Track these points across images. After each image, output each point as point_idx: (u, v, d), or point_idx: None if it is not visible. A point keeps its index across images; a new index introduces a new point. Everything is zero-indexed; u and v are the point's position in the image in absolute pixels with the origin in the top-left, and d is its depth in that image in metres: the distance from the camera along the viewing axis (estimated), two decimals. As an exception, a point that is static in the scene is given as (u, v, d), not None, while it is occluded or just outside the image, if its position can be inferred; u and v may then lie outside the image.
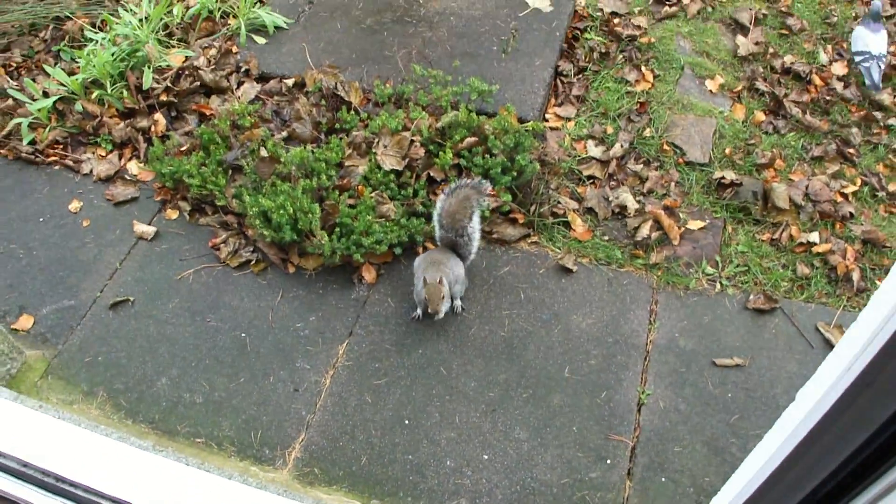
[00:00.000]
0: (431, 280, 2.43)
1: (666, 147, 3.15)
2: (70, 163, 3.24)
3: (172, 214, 2.99)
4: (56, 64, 3.63)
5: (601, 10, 3.78)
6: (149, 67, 3.34)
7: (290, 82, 3.29)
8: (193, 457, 2.32)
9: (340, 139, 2.92)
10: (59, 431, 1.88)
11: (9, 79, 3.63)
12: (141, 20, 3.56)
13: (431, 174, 2.84)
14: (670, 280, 2.76)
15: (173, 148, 3.01)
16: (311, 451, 2.35)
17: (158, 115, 3.23)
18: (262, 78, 3.37)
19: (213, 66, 3.40)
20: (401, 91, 3.11)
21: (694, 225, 2.90)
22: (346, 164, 2.83)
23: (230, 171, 2.90)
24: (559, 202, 2.98)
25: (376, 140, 2.87)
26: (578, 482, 2.25)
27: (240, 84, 3.33)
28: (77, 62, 3.53)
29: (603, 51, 3.57)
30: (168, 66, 3.36)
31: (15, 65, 3.74)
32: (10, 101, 3.47)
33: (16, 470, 1.76)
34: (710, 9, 3.80)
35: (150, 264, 2.84)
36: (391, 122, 2.90)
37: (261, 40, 3.56)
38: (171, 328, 2.66)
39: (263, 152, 2.78)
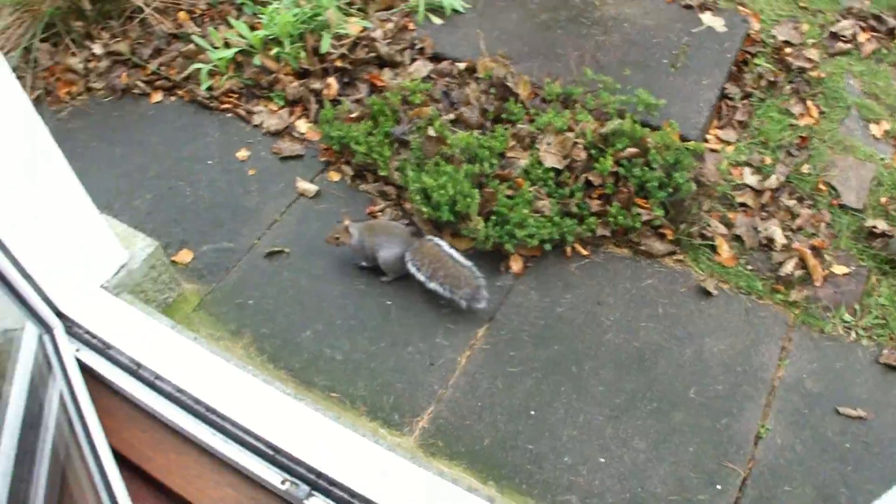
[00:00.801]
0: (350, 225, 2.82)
1: (822, 186, 3.21)
2: (242, 112, 3.52)
3: (335, 176, 3.23)
4: (239, 17, 3.92)
5: (774, 36, 3.84)
6: (328, 32, 3.60)
7: (461, 66, 3.48)
8: (329, 409, 2.55)
9: (505, 129, 3.10)
10: (211, 364, 2.09)
11: (193, 24, 3.94)
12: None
13: (590, 178, 2.98)
14: (807, 320, 2.83)
15: (343, 113, 3.25)
16: (438, 424, 2.54)
17: (332, 80, 3.48)
18: (435, 58, 3.58)
19: (389, 40, 3.63)
20: (569, 91, 3.27)
21: (838, 269, 2.96)
22: (509, 154, 3.01)
23: (395, 144, 3.11)
24: (709, 225, 3.08)
25: (540, 136, 3.03)
26: (686, 501, 2.37)
27: (413, 61, 3.55)
28: (259, 18, 3.81)
29: (771, 79, 3.63)
30: (346, 34, 3.61)
31: (199, 12, 4.06)
32: (192, 46, 3.78)
33: (171, 394, 1.99)
34: (885, 51, 3.82)
35: (308, 221, 3.09)
36: (557, 120, 3.06)
37: (437, 21, 3.77)
38: (321, 284, 2.89)
39: (431, 131, 2.98)
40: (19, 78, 3.64)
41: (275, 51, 3.60)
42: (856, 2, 4.06)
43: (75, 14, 3.95)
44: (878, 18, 3.97)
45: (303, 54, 3.58)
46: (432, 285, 2.76)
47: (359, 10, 3.88)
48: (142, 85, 3.77)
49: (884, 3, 4.08)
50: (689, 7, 3.92)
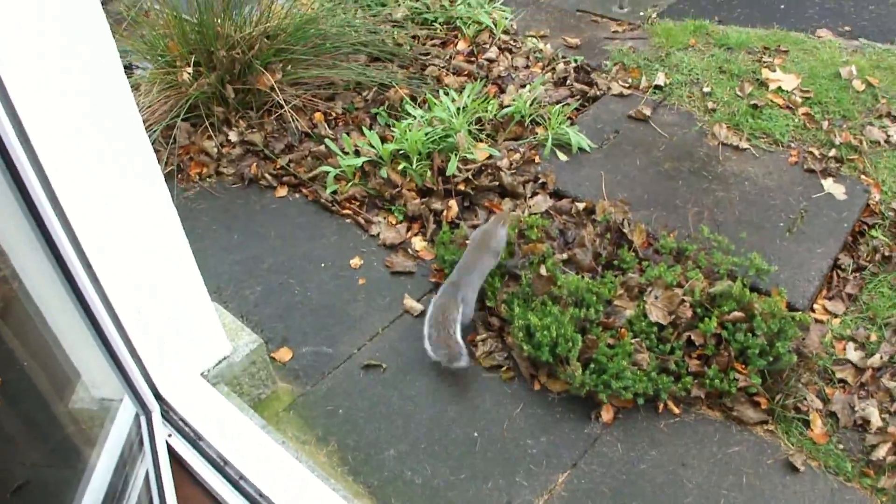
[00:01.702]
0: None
1: (926, 370, 3.25)
2: (362, 221, 3.81)
3: (442, 299, 3.46)
4: (371, 126, 4.27)
5: (894, 209, 3.93)
6: (455, 155, 3.89)
7: (580, 206, 3.72)
8: (404, 530, 2.71)
9: (615, 276, 3.29)
10: (296, 473, 2.28)
11: (327, 126, 4.30)
12: (458, 109, 4.13)
13: (692, 336, 3.14)
14: (894, 510, 2.87)
15: (460, 238, 3.50)
16: (509, 561, 2.67)
17: (453, 202, 3.76)
18: (556, 194, 3.83)
19: (513, 171, 3.90)
20: (683, 247, 3.45)
21: (936, 461, 3.00)
22: (615, 302, 3.19)
23: (506, 276, 3.33)
24: (805, 398, 3.17)
25: (649, 289, 3.21)
26: None
27: (534, 194, 3.81)
28: (391, 129, 4.14)
29: (886, 253, 3.73)
30: (473, 158, 3.90)
31: (335, 115, 4.43)
32: (322, 148, 4.12)
33: (252, 497, 2.17)
34: None
35: (409, 339, 3.32)
36: (667, 275, 3.24)
37: (563, 157, 4.03)
38: (412, 405, 3.10)
39: (542, 270, 3.19)
40: (156, 151, 4.04)
41: (402, 165, 3.91)
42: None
43: (218, 100, 4.35)
44: None
45: (428, 173, 3.87)
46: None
47: (488, 136, 4.18)
48: (269, 178, 4.12)
49: None
50: (811, 171, 4.09)
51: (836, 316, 3.53)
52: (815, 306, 3.56)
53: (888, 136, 4.42)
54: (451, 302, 3.20)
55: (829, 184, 4.05)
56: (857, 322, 3.50)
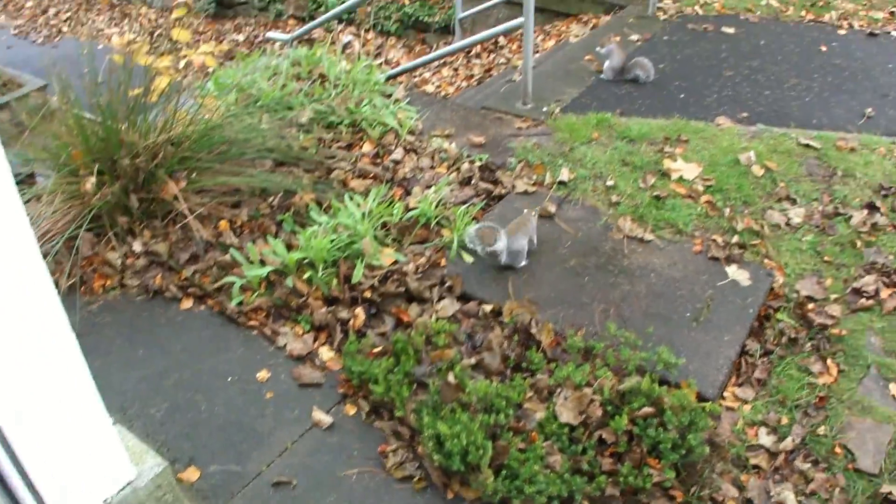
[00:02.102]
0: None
1: (838, 449, 3.38)
2: (268, 332, 3.84)
3: (351, 410, 3.49)
4: (277, 233, 4.32)
5: (797, 291, 4.13)
6: (361, 261, 3.96)
7: (487, 308, 3.81)
8: None
9: (524, 378, 3.37)
10: None
11: (232, 235, 4.34)
12: (363, 214, 4.22)
13: (603, 435, 3.21)
14: None
15: (367, 347, 3.56)
16: None
17: (359, 311, 3.82)
18: (463, 297, 3.92)
19: (419, 275, 3.99)
20: (591, 345, 3.56)
21: (851, 539, 3.10)
22: (525, 405, 3.26)
23: (415, 385, 3.38)
24: (720, 488, 3.25)
25: (558, 390, 3.29)
26: None
27: (441, 298, 3.89)
28: (296, 235, 4.20)
29: (792, 335, 3.90)
30: (379, 264, 3.97)
31: (240, 222, 4.48)
32: (228, 257, 4.15)
33: None
34: None
35: (319, 453, 3.33)
36: (576, 375, 3.33)
37: (468, 259, 4.15)
38: (325, 522, 3.09)
39: (451, 377, 3.26)
40: (57, 264, 4.03)
41: (308, 274, 3.96)
42: (880, 256, 4.34)
43: (121, 209, 4.37)
44: (901, 274, 4.25)
45: (334, 281, 3.94)
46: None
47: (394, 240, 4.27)
48: (174, 289, 4.13)
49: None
50: (715, 259, 4.26)
51: (746, 402, 3.65)
52: (726, 394, 3.67)
53: (788, 218, 4.65)
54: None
55: (733, 270, 4.21)
56: (768, 406, 3.62)
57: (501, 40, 9.56)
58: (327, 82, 5.77)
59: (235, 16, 12.66)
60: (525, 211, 4.33)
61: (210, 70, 6.73)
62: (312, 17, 11.49)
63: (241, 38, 12.05)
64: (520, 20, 5.53)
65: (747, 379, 3.77)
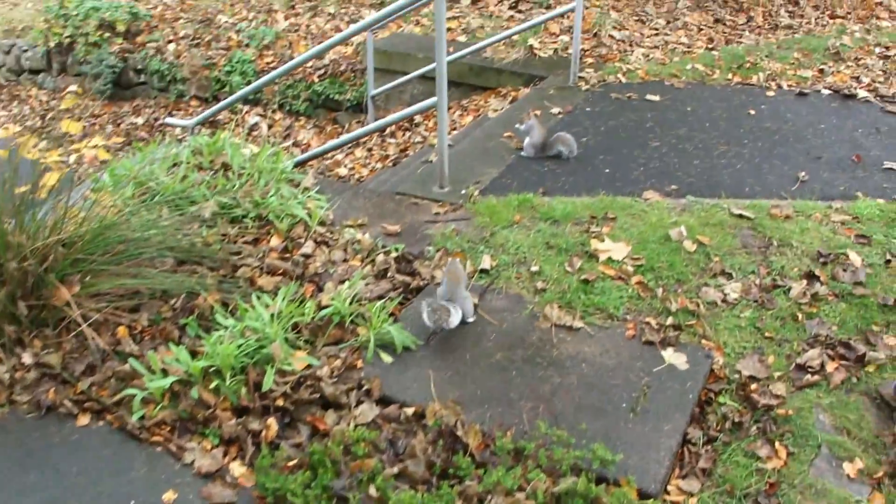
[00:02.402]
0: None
1: (792, 540, 3.45)
2: (174, 448, 3.82)
3: (268, 531, 3.47)
4: (180, 339, 4.33)
5: (739, 371, 4.25)
6: (271, 367, 3.98)
7: (409, 411, 3.86)
8: None
9: (452, 486, 3.41)
10: None
11: (131, 342, 4.32)
12: (273, 315, 4.25)
13: (535, 543, 3.25)
14: None
15: (281, 461, 3.56)
16: None
17: (272, 421, 3.83)
18: (383, 401, 3.96)
19: (335, 379, 4.02)
20: (522, 446, 3.62)
21: None
22: (453, 516, 3.29)
23: (335, 500, 3.39)
24: None
25: (489, 497, 3.33)
26: None
27: (359, 403, 3.93)
28: (201, 340, 4.20)
29: (736, 419, 3.99)
30: (291, 369, 3.99)
31: (140, 328, 4.47)
32: (127, 367, 4.13)
33: None
34: (854, 379, 4.18)
35: (233, 583, 3.30)
36: (507, 479, 3.39)
37: (387, 359, 4.19)
38: None
39: (372, 489, 3.29)
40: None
41: (214, 383, 3.97)
42: (823, 328, 4.48)
43: (9, 318, 4.31)
44: (846, 345, 4.41)
45: (244, 390, 3.94)
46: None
47: (307, 341, 4.30)
48: (69, 405, 4.07)
49: (851, 327, 4.52)
50: (650, 343, 4.37)
51: (692, 495, 3.70)
52: (669, 488, 3.72)
53: (724, 294, 4.80)
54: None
55: (669, 354, 4.32)
56: (716, 498, 3.67)
57: (417, 117, 9.80)
58: (231, 172, 5.84)
59: (134, 97, 12.73)
60: (449, 259, 4.80)
61: (104, 161, 6.75)
62: (217, 98, 11.63)
63: (140, 120, 12.13)
64: (433, 100, 5.70)
65: (691, 470, 3.82)
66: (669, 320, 4.57)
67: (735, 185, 6.15)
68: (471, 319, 4.48)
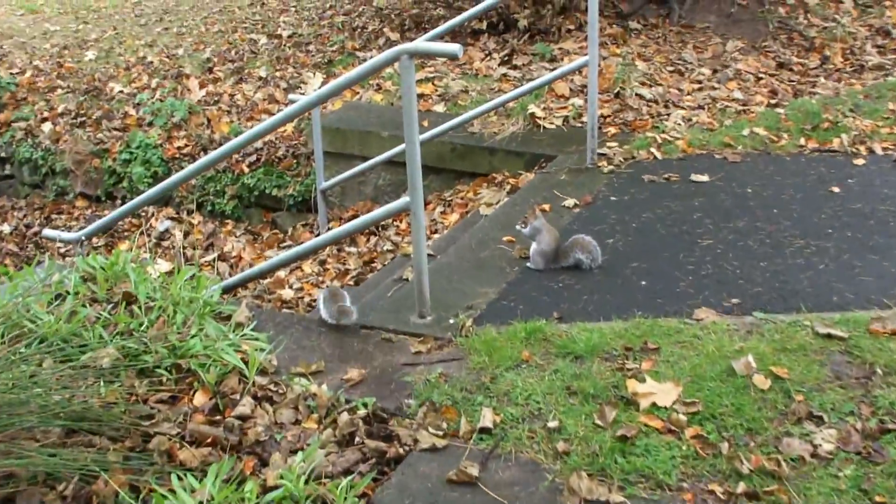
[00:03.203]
0: None
1: None
2: None
3: None
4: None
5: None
6: (202, 577, 3.94)
7: None
8: None
9: None
10: None
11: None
12: (201, 503, 4.23)
13: None
14: None
15: None
16: None
17: None
18: None
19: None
20: None
21: None
22: None
23: None
24: None
25: None
26: None
27: None
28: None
29: None
30: (228, 579, 3.96)
31: (15, 532, 4.41)
32: None
33: None
34: None
35: None
36: None
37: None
38: None
39: None
40: None
41: None
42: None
43: None
44: None
45: None
46: None
47: (247, 539, 4.27)
48: None
49: None
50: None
51: None
52: None
53: (814, 446, 4.74)
54: None
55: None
56: None
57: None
58: (137, 305, 5.84)
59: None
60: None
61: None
62: (111, 196, 11.67)
63: (5, 229, 12.02)
64: (404, 200, 5.74)
65: None
66: (741, 486, 4.53)
67: (818, 294, 5.88)
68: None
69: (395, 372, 5.59)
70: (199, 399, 5.28)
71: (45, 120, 12.54)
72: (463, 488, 4.62)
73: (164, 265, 6.25)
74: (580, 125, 9.63)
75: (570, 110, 10.10)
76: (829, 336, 5.54)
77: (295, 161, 11.09)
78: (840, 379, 5.21)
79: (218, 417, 5.16)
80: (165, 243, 10.66)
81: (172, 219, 11.19)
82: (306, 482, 4.53)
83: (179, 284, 6.00)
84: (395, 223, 9.76)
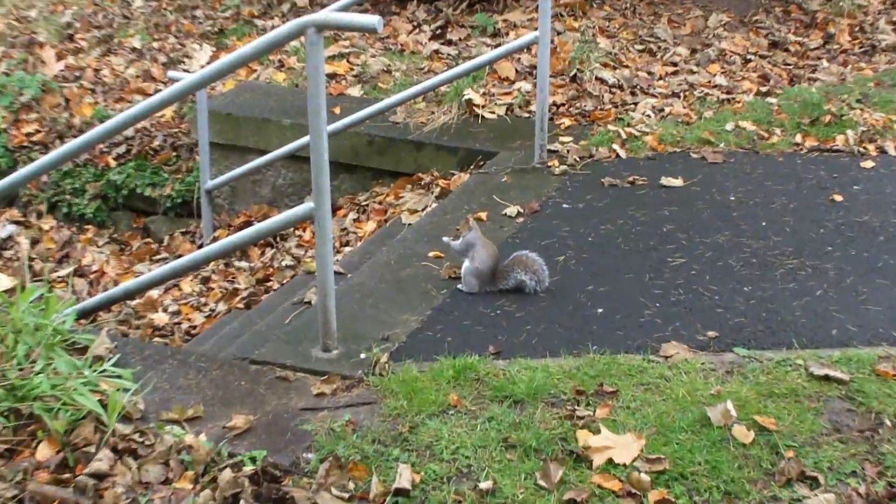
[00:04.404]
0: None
1: None
2: None
3: None
4: None
5: None
6: None
7: None
8: None
9: None
10: None
11: None
12: None
13: None
14: None
15: None
16: None
17: None
18: None
19: None
20: None
21: None
22: None
23: None
24: None
25: None
26: None
27: None
28: None
29: None
30: None
31: None
32: None
33: None
34: None
35: None
36: None
37: None
38: None
39: None
40: None
41: None
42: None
43: None
44: None
45: None
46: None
47: None
48: None
49: None
50: None
51: None
52: None
53: (810, 515, 4.77)
54: None
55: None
56: None
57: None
58: (-35, 333, 5.78)
59: None
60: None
61: None
62: (-61, 197, 11.52)
63: None
64: (308, 205, 5.70)
65: None
66: (718, 565, 4.54)
67: (814, 326, 5.83)
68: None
69: (291, 419, 5.52)
70: (44, 452, 5.19)
71: None
72: (375, 573, 4.59)
73: (4, 281, 6.16)
74: (527, 115, 9.62)
75: (515, 97, 10.08)
76: (826, 378, 5.51)
77: (174, 154, 10.97)
78: (840, 431, 5.20)
79: (67, 475, 5.08)
80: (7, 253, 10.48)
81: (17, 223, 10.98)
82: (178, 561, 4.48)
83: (23, 307, 5.91)
84: (296, 233, 9.69)
